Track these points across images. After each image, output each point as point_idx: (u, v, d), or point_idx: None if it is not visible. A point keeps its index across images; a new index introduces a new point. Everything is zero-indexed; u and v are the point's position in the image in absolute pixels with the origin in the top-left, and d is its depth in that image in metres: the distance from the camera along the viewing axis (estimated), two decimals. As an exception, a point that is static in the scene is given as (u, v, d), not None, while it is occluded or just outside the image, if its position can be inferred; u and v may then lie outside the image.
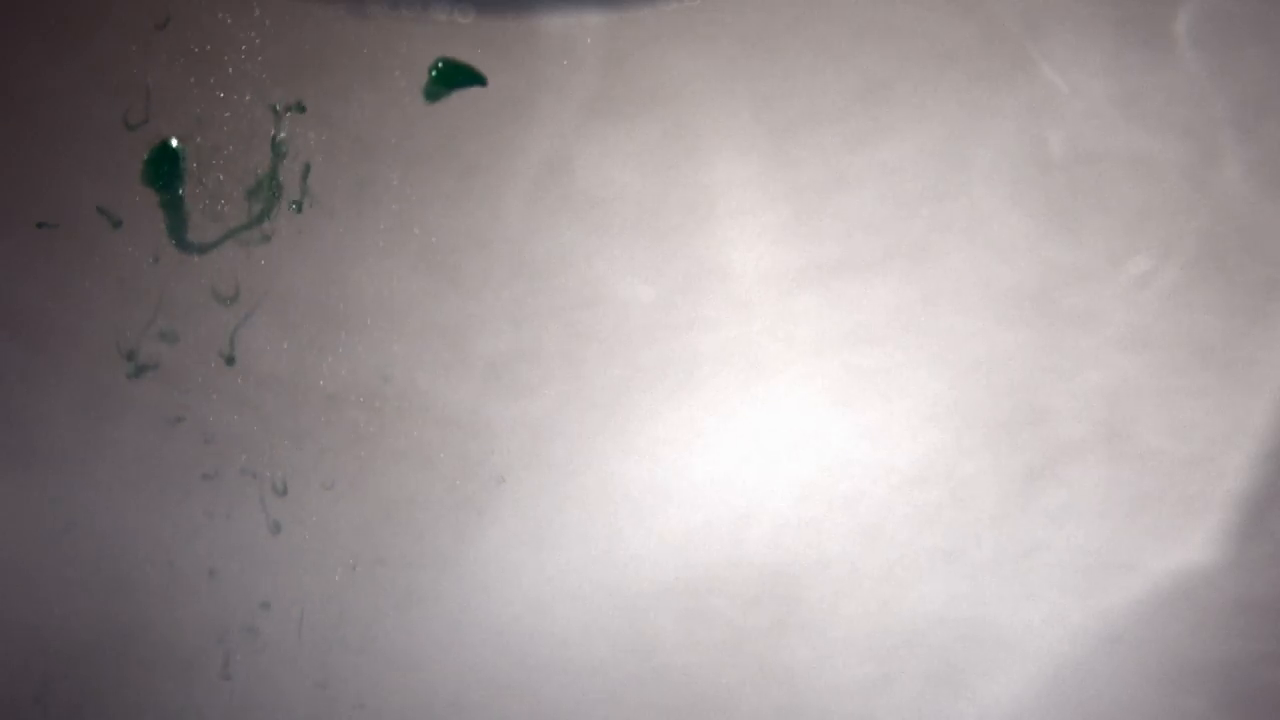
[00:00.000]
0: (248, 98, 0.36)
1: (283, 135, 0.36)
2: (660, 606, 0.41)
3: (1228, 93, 0.36)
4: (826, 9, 0.36)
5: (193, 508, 0.40)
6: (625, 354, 0.39)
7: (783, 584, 0.41)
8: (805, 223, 0.38)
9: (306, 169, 0.37)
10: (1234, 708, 0.41)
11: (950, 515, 0.40)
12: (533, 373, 0.39)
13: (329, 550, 0.40)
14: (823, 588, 0.41)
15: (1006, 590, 0.41)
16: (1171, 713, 0.42)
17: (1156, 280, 0.38)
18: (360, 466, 0.39)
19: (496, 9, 0.36)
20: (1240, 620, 0.41)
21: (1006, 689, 0.42)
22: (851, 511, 0.40)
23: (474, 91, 0.36)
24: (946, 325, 0.39)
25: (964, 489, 0.40)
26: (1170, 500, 0.40)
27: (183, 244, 0.37)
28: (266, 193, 0.37)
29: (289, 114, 0.36)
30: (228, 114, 0.36)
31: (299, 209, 0.37)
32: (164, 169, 0.36)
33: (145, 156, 0.36)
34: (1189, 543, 0.40)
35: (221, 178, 0.37)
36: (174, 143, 0.36)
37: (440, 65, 0.36)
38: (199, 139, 0.37)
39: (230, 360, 0.38)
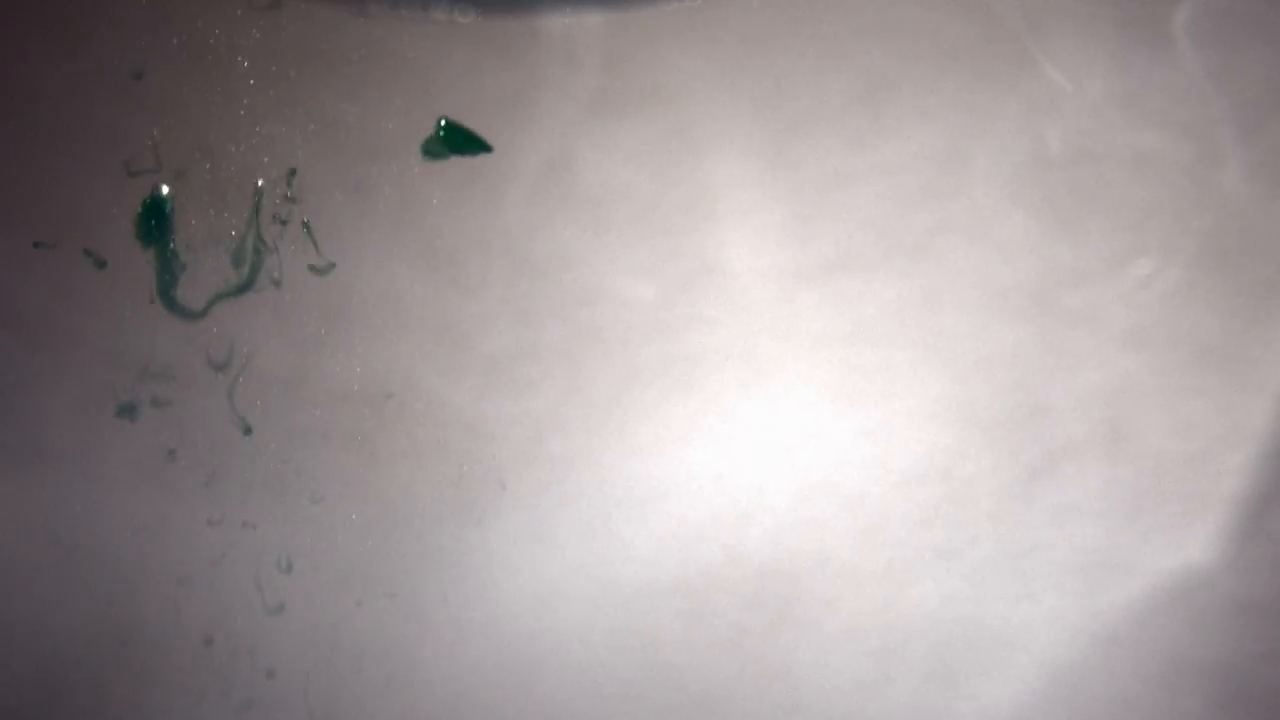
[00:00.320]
0: (247, 100, 0.36)
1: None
2: (660, 605, 0.41)
3: (1229, 92, 0.36)
4: (827, 8, 0.36)
5: (193, 509, 0.40)
6: (625, 352, 0.39)
7: (782, 582, 0.41)
8: (805, 222, 0.38)
9: (291, 173, 0.37)
10: (1232, 708, 0.42)
11: (949, 514, 0.40)
12: (533, 371, 0.39)
13: (329, 550, 0.40)
14: (822, 586, 0.41)
15: (1005, 589, 0.41)
16: (1170, 713, 0.42)
17: (1157, 280, 0.38)
18: (360, 466, 0.39)
19: (496, 9, 0.36)
20: (1239, 621, 0.41)
21: (1005, 688, 0.42)
22: (851, 510, 0.40)
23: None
24: (947, 324, 0.39)
25: (964, 488, 0.40)
26: (1170, 500, 0.40)
27: (172, 294, 0.37)
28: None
29: (287, 113, 0.36)
30: (227, 113, 0.36)
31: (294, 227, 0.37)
32: (154, 222, 0.37)
33: (138, 209, 0.37)
34: (1188, 543, 0.40)
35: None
36: (165, 190, 0.36)
37: (445, 125, 0.36)
38: (198, 139, 0.37)
39: (230, 360, 0.38)
